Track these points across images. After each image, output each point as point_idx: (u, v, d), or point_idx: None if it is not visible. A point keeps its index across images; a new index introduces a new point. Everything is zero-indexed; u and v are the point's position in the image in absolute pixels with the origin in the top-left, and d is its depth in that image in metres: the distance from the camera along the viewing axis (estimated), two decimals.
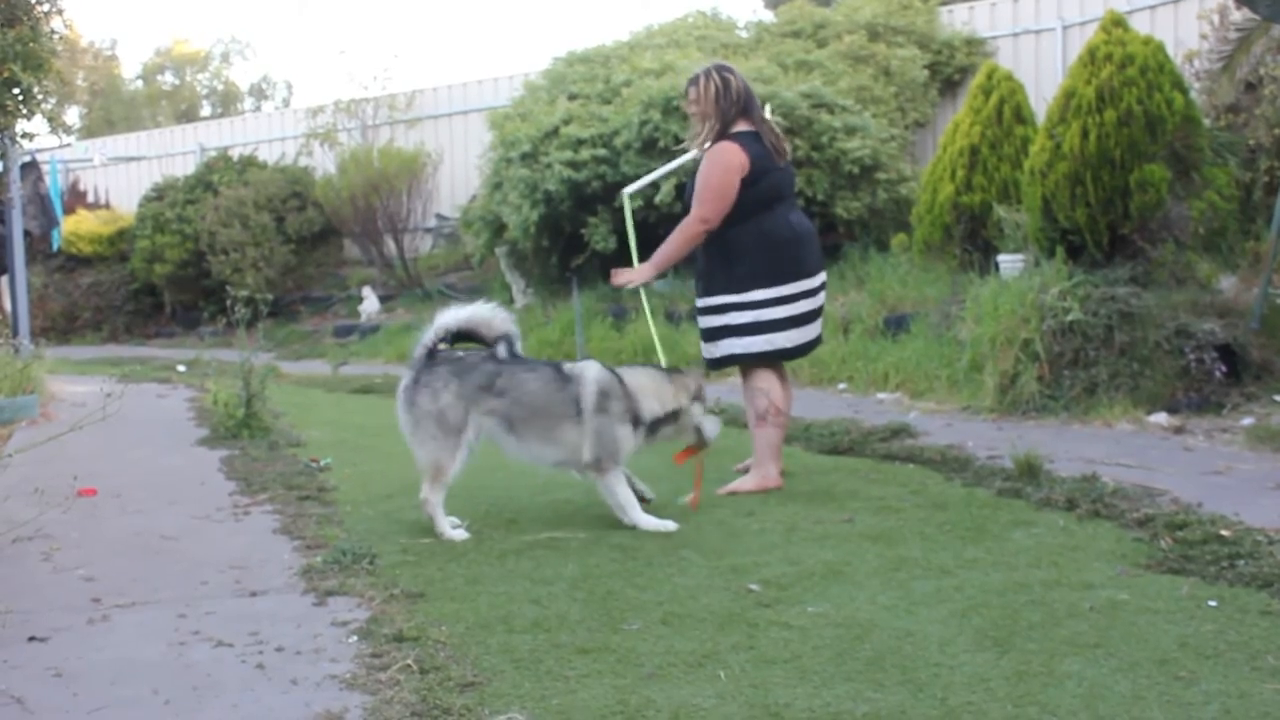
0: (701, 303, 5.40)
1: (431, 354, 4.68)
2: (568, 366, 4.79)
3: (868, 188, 10.55)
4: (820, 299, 5.38)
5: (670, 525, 4.54)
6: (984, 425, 6.42)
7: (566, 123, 10.96)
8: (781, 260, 5.23)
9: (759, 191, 5.20)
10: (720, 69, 5.29)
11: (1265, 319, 6.61)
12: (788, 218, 5.31)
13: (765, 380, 5.33)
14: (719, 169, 5.18)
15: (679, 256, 5.39)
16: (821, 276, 5.39)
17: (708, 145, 5.28)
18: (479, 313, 4.77)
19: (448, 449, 4.57)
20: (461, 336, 4.78)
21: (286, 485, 5.45)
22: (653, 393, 4.72)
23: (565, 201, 10.80)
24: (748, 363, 5.34)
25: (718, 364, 5.45)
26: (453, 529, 4.54)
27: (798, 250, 5.27)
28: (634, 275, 5.43)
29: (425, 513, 4.58)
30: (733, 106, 5.22)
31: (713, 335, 5.34)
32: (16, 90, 7.10)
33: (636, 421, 4.66)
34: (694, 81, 5.29)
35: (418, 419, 4.59)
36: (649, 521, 4.56)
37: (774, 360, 5.36)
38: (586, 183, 10.58)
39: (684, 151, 5.92)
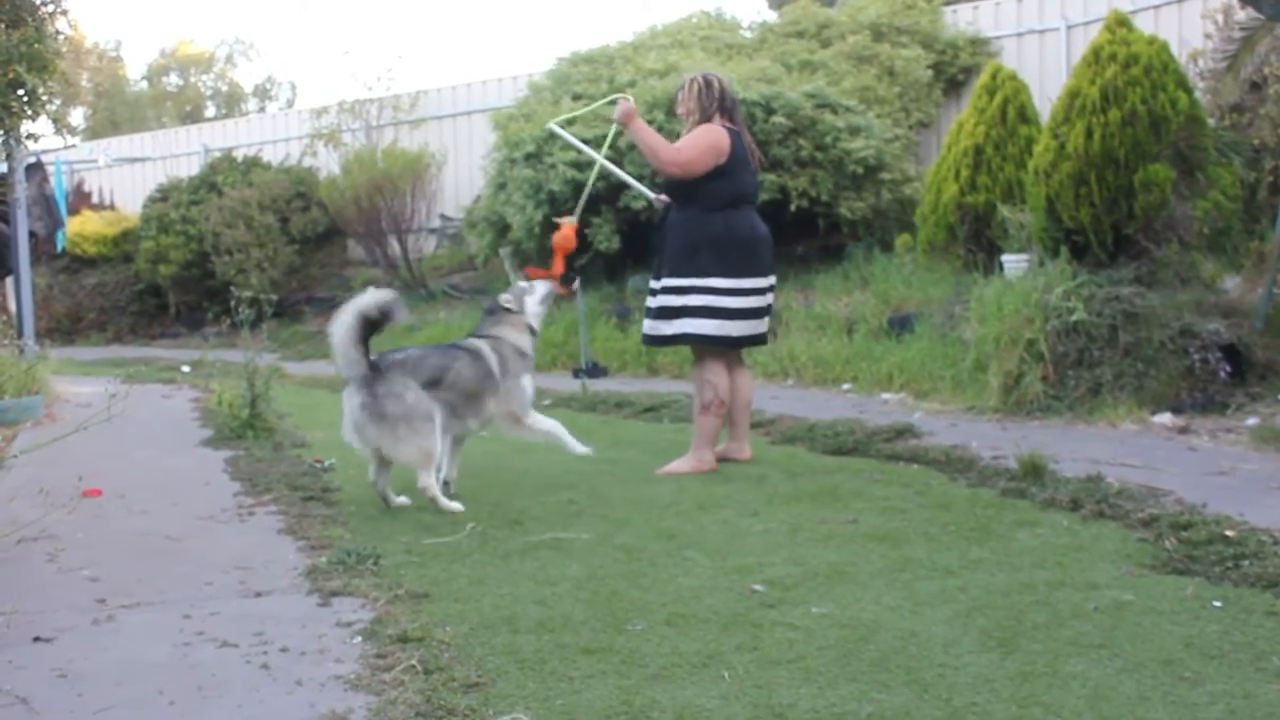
0: (662, 283, 5.69)
1: (374, 367, 4.88)
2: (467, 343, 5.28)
3: (872, 188, 10.54)
4: (770, 299, 5.78)
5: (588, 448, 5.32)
6: (988, 426, 6.42)
7: (570, 123, 10.96)
8: (742, 255, 5.62)
9: (731, 185, 5.61)
10: (705, 74, 5.79)
11: (1270, 319, 6.59)
12: (751, 219, 5.72)
13: (715, 373, 5.69)
14: (707, 136, 5.61)
15: (648, 146, 5.62)
16: (773, 279, 5.81)
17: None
18: (359, 305, 4.89)
19: (429, 439, 4.90)
20: (367, 331, 4.94)
21: (291, 486, 5.46)
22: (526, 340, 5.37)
23: (569, 202, 10.79)
24: (699, 345, 5.70)
25: (666, 341, 5.79)
26: (449, 500, 4.95)
27: (758, 249, 5.67)
28: (625, 108, 5.70)
29: (428, 496, 4.92)
30: (713, 102, 5.66)
31: (669, 314, 5.67)
32: (21, 91, 7.12)
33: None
34: (681, 85, 5.75)
35: (393, 425, 4.84)
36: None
37: (721, 346, 5.69)
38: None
39: None
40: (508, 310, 5.38)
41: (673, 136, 9.75)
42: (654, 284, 5.79)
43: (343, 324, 4.85)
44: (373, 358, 4.91)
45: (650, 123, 10.19)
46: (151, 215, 15.66)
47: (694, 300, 5.60)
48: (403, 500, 5.03)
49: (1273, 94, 8.22)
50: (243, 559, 4.22)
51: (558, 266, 5.78)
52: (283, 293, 13.65)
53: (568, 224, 5.92)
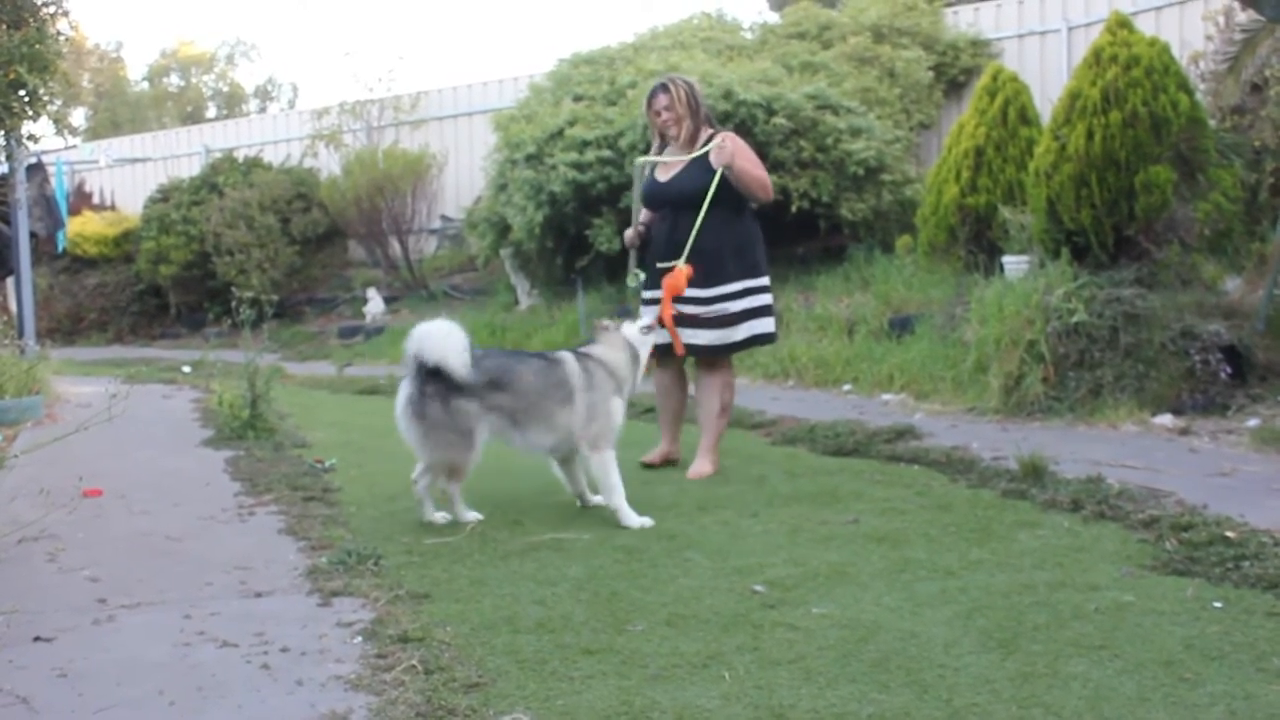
0: (716, 291, 5.53)
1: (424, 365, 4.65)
2: (550, 353, 4.99)
3: (872, 189, 10.55)
4: None
5: (647, 521, 4.61)
6: (989, 427, 6.41)
7: (571, 124, 10.97)
8: (764, 254, 5.72)
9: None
10: (683, 77, 5.72)
11: (1271, 320, 6.59)
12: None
13: (732, 375, 5.77)
14: (750, 150, 5.59)
15: (758, 179, 5.53)
16: None
17: (703, 144, 5.55)
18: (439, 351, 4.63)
19: (460, 452, 4.65)
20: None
21: (291, 486, 5.45)
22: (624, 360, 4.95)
23: (570, 203, 10.81)
24: (763, 345, 5.81)
25: (737, 347, 5.69)
26: (467, 511, 4.72)
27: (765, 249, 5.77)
28: (729, 151, 5.43)
29: (415, 493, 4.79)
30: (701, 107, 5.63)
31: (733, 320, 5.56)
32: (22, 92, 7.13)
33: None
34: (663, 89, 5.61)
35: (427, 427, 4.61)
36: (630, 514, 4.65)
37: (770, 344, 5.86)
38: (591, 184, 10.59)
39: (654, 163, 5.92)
40: (606, 328, 5.06)
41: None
42: (708, 292, 5.52)
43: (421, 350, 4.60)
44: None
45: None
46: (152, 216, 15.67)
47: (756, 301, 5.58)
48: (474, 514, 4.74)
49: (1274, 96, 8.22)
50: (243, 559, 4.22)
51: (667, 309, 5.43)
52: (283, 293, 13.67)
53: (682, 269, 5.48)
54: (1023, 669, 2.94)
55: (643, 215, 5.84)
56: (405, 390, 4.67)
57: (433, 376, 4.59)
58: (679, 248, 5.51)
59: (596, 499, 4.88)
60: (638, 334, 5.03)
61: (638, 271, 5.73)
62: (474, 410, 4.64)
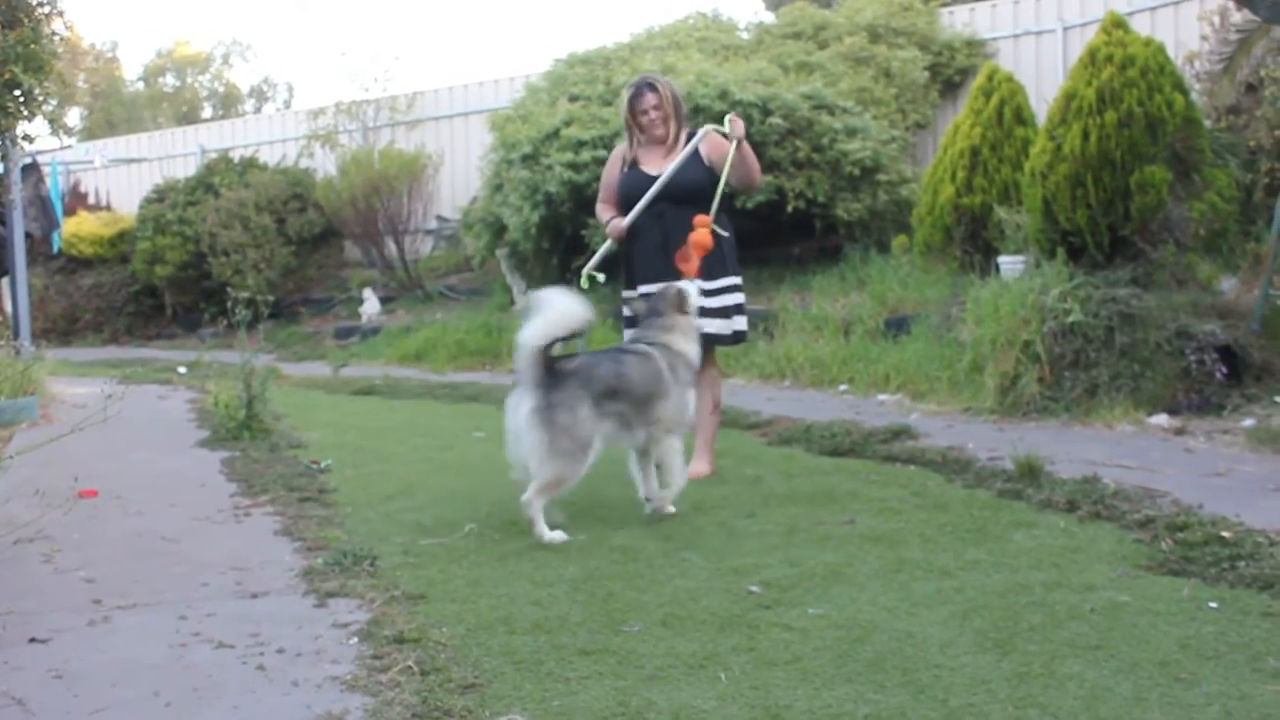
0: (718, 284, 5.54)
1: (549, 369, 4.51)
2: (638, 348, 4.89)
3: (868, 189, 10.55)
4: None
5: None
6: (985, 427, 6.42)
7: (567, 124, 10.96)
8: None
9: None
10: (661, 78, 5.72)
11: (1266, 320, 6.60)
12: None
13: (718, 371, 5.78)
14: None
15: (753, 164, 5.55)
16: None
17: (685, 143, 5.54)
18: (564, 318, 4.55)
19: (577, 465, 4.51)
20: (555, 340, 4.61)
21: (287, 487, 5.45)
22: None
23: (566, 203, 10.80)
24: (737, 343, 5.85)
25: (729, 340, 5.69)
26: (551, 531, 4.44)
27: None
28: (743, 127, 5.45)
29: (526, 515, 4.45)
30: (682, 107, 5.67)
31: (728, 313, 5.58)
32: (17, 92, 7.12)
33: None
34: (651, 88, 5.57)
35: (553, 436, 4.45)
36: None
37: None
38: (587, 184, 10.57)
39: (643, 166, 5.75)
40: (680, 313, 4.97)
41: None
42: (711, 284, 5.49)
43: (538, 332, 4.49)
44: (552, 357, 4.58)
45: None
46: (148, 216, 15.64)
47: (739, 298, 5.62)
48: (560, 535, 4.46)
49: (1269, 96, 8.23)
50: (239, 560, 4.22)
51: (694, 269, 5.32)
52: (279, 294, 13.64)
53: (703, 224, 5.37)
54: (1019, 669, 2.94)
55: (610, 215, 5.70)
56: (529, 400, 4.47)
57: (559, 385, 4.48)
58: (679, 243, 5.42)
59: (669, 509, 4.79)
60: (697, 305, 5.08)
61: (595, 274, 5.62)
62: (594, 419, 4.54)
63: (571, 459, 4.48)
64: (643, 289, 5.47)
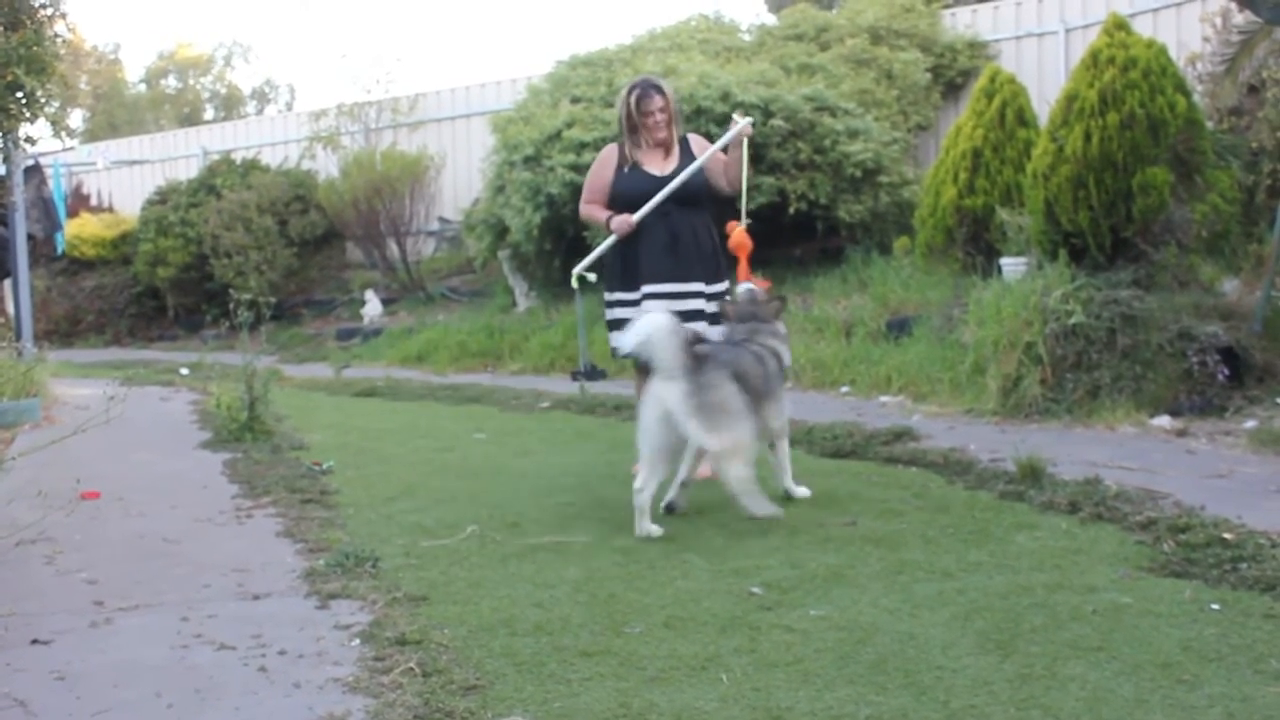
0: (720, 286, 5.53)
1: (696, 358, 4.55)
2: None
3: (870, 191, 10.54)
4: None
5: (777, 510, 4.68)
6: (986, 428, 6.42)
7: (569, 126, 10.96)
8: None
9: None
10: (659, 79, 5.66)
11: (1268, 322, 6.60)
12: None
13: None
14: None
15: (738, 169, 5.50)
16: None
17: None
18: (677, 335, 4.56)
19: (748, 424, 4.57)
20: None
21: (289, 488, 5.45)
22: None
23: (568, 204, 10.78)
24: None
25: None
26: (765, 504, 4.60)
27: None
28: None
29: (739, 490, 4.52)
30: (679, 111, 5.70)
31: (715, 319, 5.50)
32: (20, 94, 7.13)
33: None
34: (658, 90, 5.51)
35: (715, 413, 4.47)
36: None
37: None
38: None
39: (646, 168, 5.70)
40: (775, 319, 5.07)
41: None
42: (711, 288, 5.50)
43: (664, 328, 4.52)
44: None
45: None
46: (150, 218, 15.65)
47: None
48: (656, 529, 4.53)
49: (1271, 97, 8.23)
50: (241, 561, 4.22)
51: (746, 271, 5.39)
52: (281, 295, 13.64)
53: (739, 229, 5.41)
54: (1020, 671, 2.94)
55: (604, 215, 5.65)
56: (674, 389, 4.45)
57: (702, 369, 4.51)
58: (685, 244, 5.43)
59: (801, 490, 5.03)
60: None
61: (585, 274, 5.60)
62: (740, 393, 4.60)
63: (742, 419, 4.54)
64: (647, 289, 5.42)
